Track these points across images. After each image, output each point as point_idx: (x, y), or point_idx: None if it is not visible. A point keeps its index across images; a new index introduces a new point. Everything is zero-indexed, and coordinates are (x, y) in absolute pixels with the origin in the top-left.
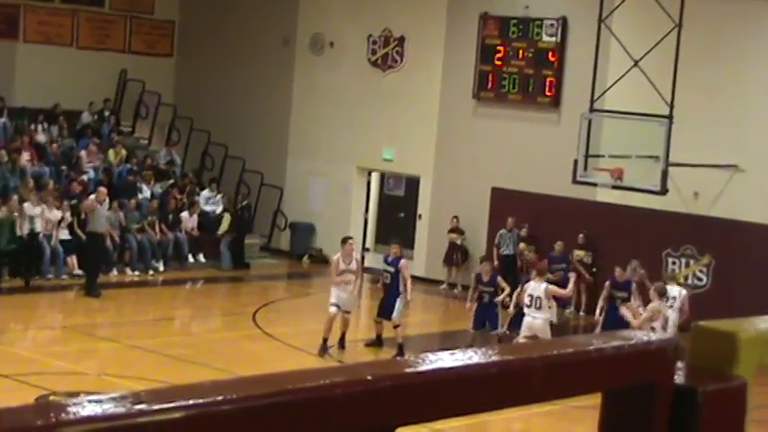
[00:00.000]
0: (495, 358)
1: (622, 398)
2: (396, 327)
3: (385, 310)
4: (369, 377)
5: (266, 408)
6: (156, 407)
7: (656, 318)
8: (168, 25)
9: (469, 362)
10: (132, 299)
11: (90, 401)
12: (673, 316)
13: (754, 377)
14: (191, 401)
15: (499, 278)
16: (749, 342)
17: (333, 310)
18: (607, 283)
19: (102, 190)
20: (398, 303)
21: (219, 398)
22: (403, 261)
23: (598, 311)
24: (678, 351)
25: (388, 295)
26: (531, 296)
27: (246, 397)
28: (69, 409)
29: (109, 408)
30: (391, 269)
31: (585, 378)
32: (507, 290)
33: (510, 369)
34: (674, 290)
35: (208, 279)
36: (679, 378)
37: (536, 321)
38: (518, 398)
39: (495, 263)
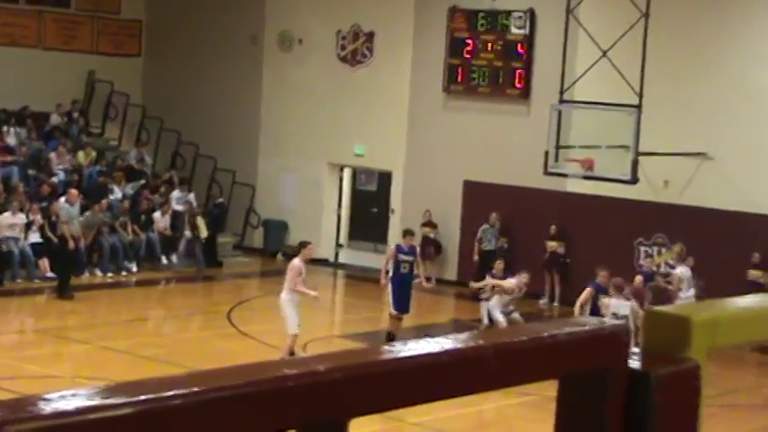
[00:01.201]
0: (447, 347)
1: (577, 383)
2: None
3: (404, 304)
4: (321, 369)
5: (216, 401)
6: (107, 402)
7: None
8: (135, 25)
9: (422, 351)
10: (105, 300)
11: (41, 399)
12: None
13: (710, 362)
14: (141, 397)
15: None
16: (701, 325)
17: (298, 331)
18: (588, 289)
19: (74, 192)
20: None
21: (170, 393)
22: (418, 250)
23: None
24: (631, 335)
25: (404, 287)
26: (615, 315)
27: (195, 392)
28: (16, 407)
29: (59, 405)
30: (410, 258)
31: (540, 365)
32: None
33: (462, 357)
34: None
35: (181, 279)
36: (633, 362)
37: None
38: (472, 386)
39: (476, 257)
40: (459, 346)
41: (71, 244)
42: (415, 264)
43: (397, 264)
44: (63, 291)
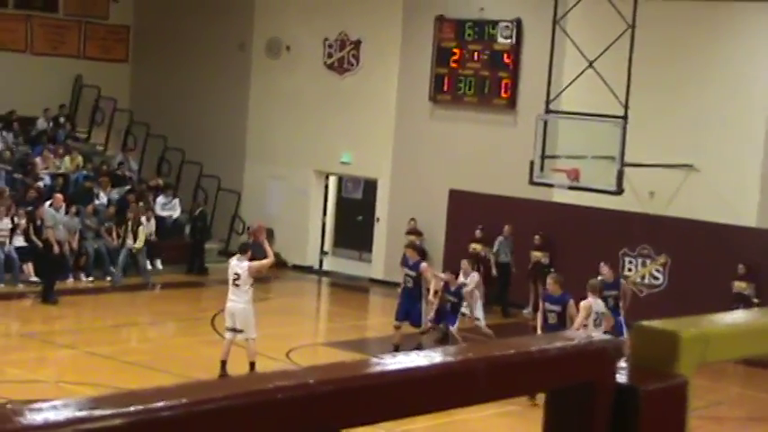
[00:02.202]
0: (437, 360)
1: (564, 397)
2: (423, 333)
3: (407, 315)
4: (311, 381)
5: (207, 413)
6: (97, 413)
7: (590, 315)
8: (123, 30)
9: (412, 364)
10: (90, 305)
11: (31, 410)
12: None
13: (696, 375)
14: (131, 408)
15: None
16: (690, 341)
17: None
18: (587, 303)
19: (59, 196)
20: (424, 307)
21: (160, 404)
22: (423, 264)
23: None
24: (620, 350)
25: (408, 299)
26: (597, 313)
27: (187, 403)
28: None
29: (50, 416)
30: (413, 273)
31: (528, 379)
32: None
33: (452, 371)
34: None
35: (166, 285)
36: (620, 377)
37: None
38: (462, 399)
39: (494, 272)
40: (448, 359)
41: (56, 248)
42: (424, 279)
43: (404, 276)
44: (47, 295)
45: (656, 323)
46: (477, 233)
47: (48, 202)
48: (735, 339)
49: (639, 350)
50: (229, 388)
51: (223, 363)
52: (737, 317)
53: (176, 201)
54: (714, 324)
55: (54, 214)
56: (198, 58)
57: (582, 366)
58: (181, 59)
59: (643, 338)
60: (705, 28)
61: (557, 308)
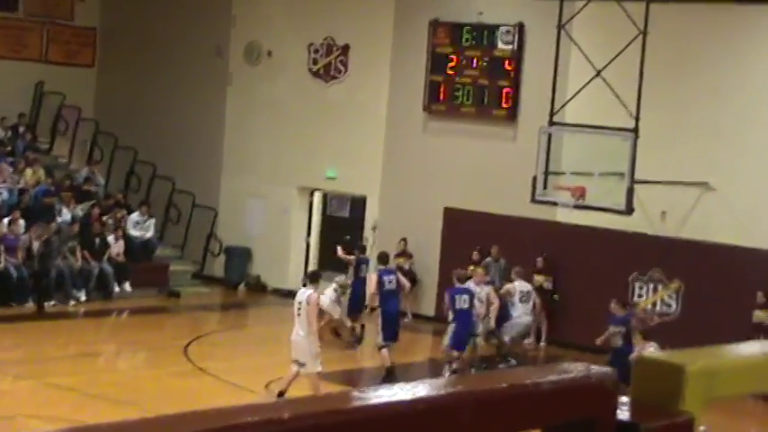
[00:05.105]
0: (422, 394)
1: None
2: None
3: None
4: (285, 416)
5: None
6: None
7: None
8: (89, 33)
9: (395, 399)
10: (51, 332)
11: None
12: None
13: (707, 412)
14: None
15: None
16: (696, 375)
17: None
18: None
19: (17, 213)
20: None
21: None
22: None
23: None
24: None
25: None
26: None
27: None
28: None
29: None
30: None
31: (521, 414)
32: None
33: (438, 405)
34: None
35: (135, 310)
36: (621, 414)
37: None
38: None
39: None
40: (434, 393)
41: (12, 270)
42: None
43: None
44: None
45: (659, 355)
46: (475, 255)
47: (5, 219)
48: (746, 373)
49: (642, 385)
50: (198, 423)
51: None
52: (749, 349)
53: (152, 221)
54: (723, 357)
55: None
56: (171, 63)
57: (579, 401)
58: (152, 65)
59: (646, 372)
60: (722, 35)
61: (620, 329)
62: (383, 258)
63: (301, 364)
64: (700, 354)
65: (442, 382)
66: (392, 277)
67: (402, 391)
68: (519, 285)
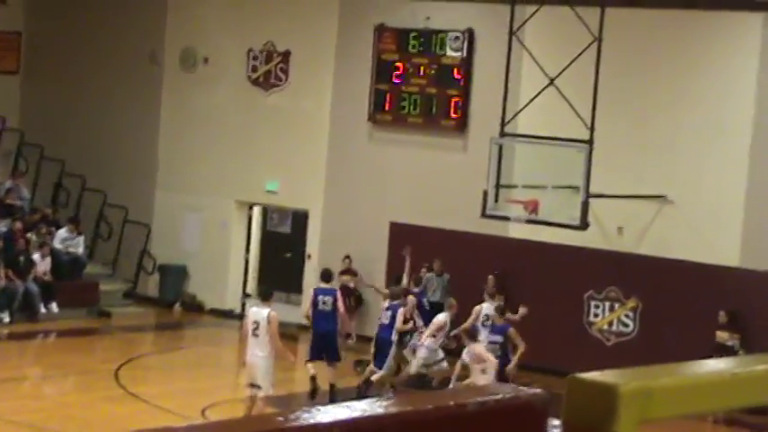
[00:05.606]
0: (339, 417)
1: None
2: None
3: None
4: None
5: None
6: None
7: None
8: (13, 37)
9: (310, 422)
10: None
11: None
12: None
13: None
14: None
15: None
16: (630, 395)
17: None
18: None
19: None
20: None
21: None
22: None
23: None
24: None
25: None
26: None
27: None
28: None
29: None
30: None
31: None
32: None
33: (360, 428)
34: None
35: (62, 332)
36: None
37: None
38: None
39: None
40: (354, 415)
41: None
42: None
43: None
44: None
45: (592, 375)
46: (423, 272)
47: None
48: (683, 394)
49: (574, 405)
50: None
51: None
52: (688, 368)
53: (80, 238)
54: (660, 376)
55: None
56: (101, 69)
57: (506, 424)
58: (81, 71)
59: (578, 392)
60: (681, 42)
61: (499, 338)
62: (326, 276)
63: (257, 387)
64: (636, 373)
65: (364, 404)
66: (328, 298)
67: (320, 413)
68: (486, 307)
